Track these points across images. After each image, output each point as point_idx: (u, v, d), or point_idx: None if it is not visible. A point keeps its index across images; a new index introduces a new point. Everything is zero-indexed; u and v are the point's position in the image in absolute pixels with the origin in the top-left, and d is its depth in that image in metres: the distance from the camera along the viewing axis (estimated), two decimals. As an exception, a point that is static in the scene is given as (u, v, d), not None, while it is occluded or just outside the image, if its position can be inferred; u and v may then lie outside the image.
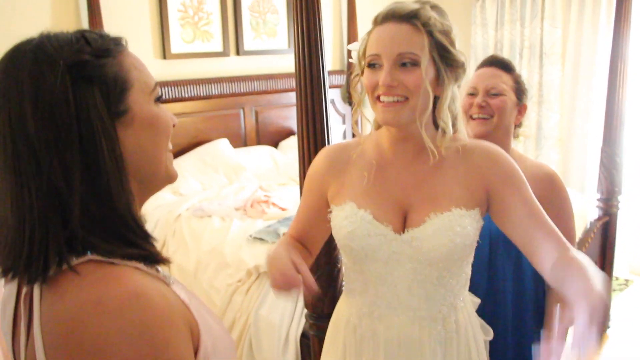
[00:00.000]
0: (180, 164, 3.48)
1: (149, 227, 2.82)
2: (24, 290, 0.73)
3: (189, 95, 3.61)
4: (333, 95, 4.28)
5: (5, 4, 2.99)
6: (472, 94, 1.70)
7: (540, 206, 1.22)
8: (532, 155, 4.27)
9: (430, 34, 1.14)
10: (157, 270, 0.78)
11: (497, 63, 1.72)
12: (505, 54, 4.05)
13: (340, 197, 1.29)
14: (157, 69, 3.54)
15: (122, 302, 0.66)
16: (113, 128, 0.74)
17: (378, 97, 1.17)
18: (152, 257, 0.76)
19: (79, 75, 0.72)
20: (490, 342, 1.42)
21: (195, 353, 0.74)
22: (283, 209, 3.10)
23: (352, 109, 1.28)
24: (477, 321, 1.37)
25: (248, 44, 3.89)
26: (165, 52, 3.56)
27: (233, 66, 3.89)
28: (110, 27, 3.26)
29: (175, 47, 3.59)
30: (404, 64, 1.14)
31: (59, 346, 0.68)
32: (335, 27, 4.47)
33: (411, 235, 1.21)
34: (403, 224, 1.24)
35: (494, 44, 4.14)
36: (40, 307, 0.70)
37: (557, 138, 4.16)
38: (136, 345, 0.66)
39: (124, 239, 0.73)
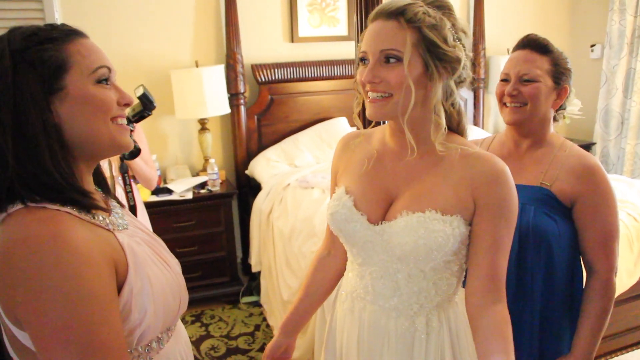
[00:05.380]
0: (299, 138, 3.83)
1: (263, 193, 3.22)
2: None
3: (313, 75, 3.91)
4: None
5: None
6: (505, 80, 1.60)
7: (505, 245, 1.18)
8: (630, 144, 3.96)
9: (418, 30, 1.12)
10: (94, 218, 0.94)
11: (532, 45, 1.58)
12: (644, 42, 3.74)
13: (340, 180, 1.36)
14: (285, 51, 3.91)
15: (41, 239, 0.82)
16: (46, 101, 0.90)
17: (367, 93, 1.19)
18: (80, 205, 0.92)
19: (21, 59, 0.89)
20: (516, 340, 1.36)
21: (122, 286, 0.91)
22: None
23: (355, 102, 1.31)
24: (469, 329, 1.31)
25: (373, 28, 4.06)
26: (293, 36, 3.89)
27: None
28: (245, 14, 3.69)
29: (302, 31, 3.91)
30: (387, 61, 1.14)
31: None
32: (461, 13, 4.45)
33: (382, 228, 1.23)
34: (384, 215, 1.25)
35: (632, 31, 3.82)
36: None
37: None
38: (50, 275, 0.81)
39: (50, 189, 0.89)
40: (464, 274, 1.29)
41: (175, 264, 1.11)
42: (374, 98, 1.17)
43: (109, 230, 0.95)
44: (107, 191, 1.11)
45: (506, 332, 1.15)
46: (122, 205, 1.13)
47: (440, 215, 1.18)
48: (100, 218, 0.96)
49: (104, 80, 0.96)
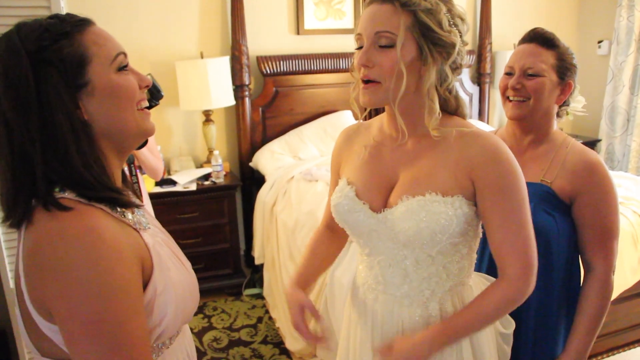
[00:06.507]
0: (303, 131, 3.83)
1: (267, 185, 3.17)
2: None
3: (319, 68, 3.90)
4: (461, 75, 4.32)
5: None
6: (509, 74, 1.57)
7: (517, 220, 1.17)
8: (636, 142, 3.95)
9: (413, 13, 1.12)
10: (124, 216, 0.94)
11: (538, 38, 1.54)
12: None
13: (343, 172, 1.36)
14: (291, 44, 3.90)
15: (77, 232, 0.82)
16: (72, 99, 0.88)
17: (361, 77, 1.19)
18: (114, 202, 0.92)
19: (38, 59, 0.86)
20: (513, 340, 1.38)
21: (146, 285, 0.91)
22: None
23: (352, 86, 1.27)
24: None
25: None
26: (299, 28, 3.88)
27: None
28: (251, 5, 3.67)
29: (308, 23, 3.90)
30: (382, 45, 1.14)
31: (29, 264, 0.85)
32: (468, 7, 4.43)
33: (385, 215, 1.23)
34: (386, 203, 1.25)
35: (639, 27, 3.79)
36: (23, 243, 0.89)
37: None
38: (83, 268, 0.81)
39: (83, 187, 0.89)
40: (476, 257, 1.30)
41: (189, 266, 1.11)
42: (366, 84, 1.17)
43: (135, 229, 0.95)
44: (127, 186, 1.11)
45: (485, 296, 1.20)
46: (141, 202, 1.11)
47: (440, 197, 1.17)
48: (130, 216, 0.96)
49: (123, 68, 0.95)
